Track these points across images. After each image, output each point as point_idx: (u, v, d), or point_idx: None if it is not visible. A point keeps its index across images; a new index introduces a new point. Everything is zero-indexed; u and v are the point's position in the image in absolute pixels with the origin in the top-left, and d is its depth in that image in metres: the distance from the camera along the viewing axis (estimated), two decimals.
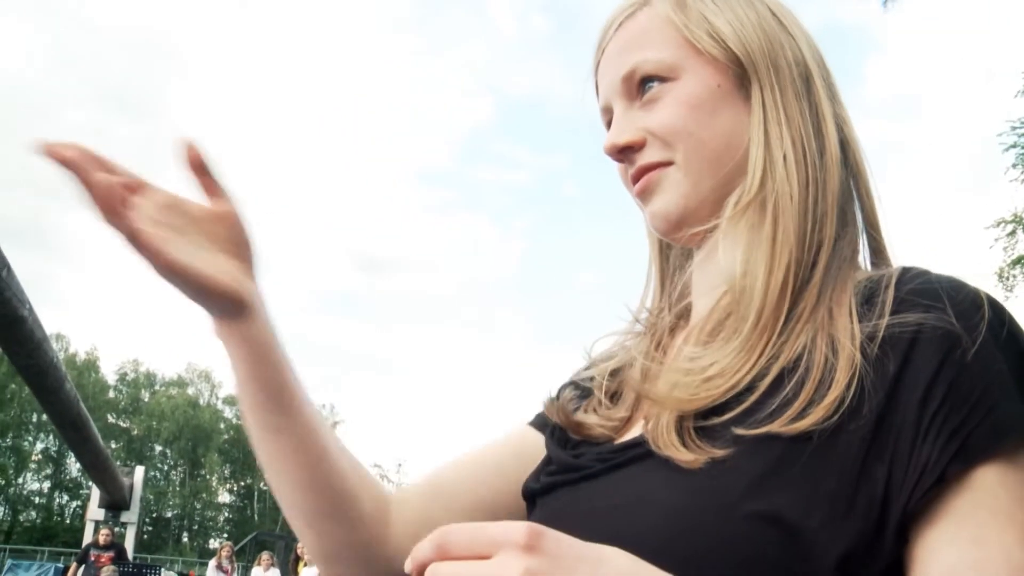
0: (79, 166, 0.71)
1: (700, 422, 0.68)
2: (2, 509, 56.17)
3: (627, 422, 0.78)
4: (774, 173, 0.75)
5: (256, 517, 62.95)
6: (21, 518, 56.12)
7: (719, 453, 0.64)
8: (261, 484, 64.91)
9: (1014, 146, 14.92)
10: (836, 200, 0.76)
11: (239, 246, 0.81)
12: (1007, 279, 16.63)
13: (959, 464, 0.59)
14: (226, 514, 66.27)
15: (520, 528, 0.46)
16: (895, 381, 0.62)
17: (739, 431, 0.64)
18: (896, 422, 0.61)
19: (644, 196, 0.81)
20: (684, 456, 0.65)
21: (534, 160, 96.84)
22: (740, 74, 0.78)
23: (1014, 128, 14.80)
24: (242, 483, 66.34)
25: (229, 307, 0.78)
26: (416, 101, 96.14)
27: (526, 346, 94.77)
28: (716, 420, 0.67)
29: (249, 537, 22.99)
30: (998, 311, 0.65)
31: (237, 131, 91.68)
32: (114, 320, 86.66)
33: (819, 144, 0.77)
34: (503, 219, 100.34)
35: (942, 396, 0.60)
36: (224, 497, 66.72)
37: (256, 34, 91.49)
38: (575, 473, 0.75)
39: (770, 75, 0.77)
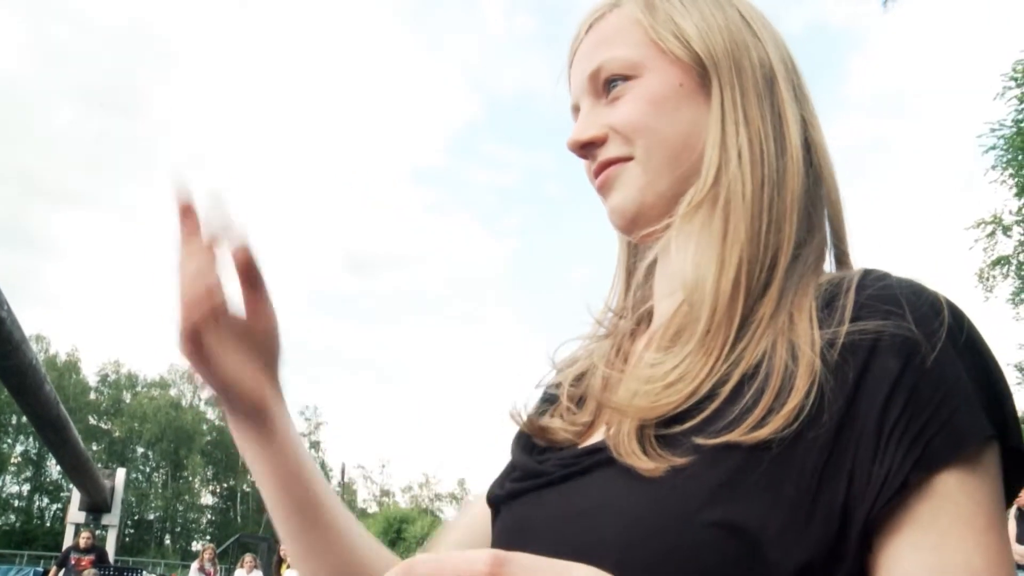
0: (191, 230, 0.79)
1: (661, 430, 0.67)
2: None
3: (590, 426, 0.78)
4: (728, 172, 0.75)
5: (239, 519, 62.72)
6: (0, 521, 55.69)
7: (679, 462, 0.64)
8: (244, 486, 64.67)
9: (993, 148, 15.05)
10: (797, 202, 0.75)
11: (269, 353, 0.85)
12: (987, 280, 16.76)
13: (920, 471, 0.59)
14: (209, 516, 66.02)
15: (484, 556, 0.46)
16: (855, 389, 0.62)
17: (699, 440, 0.64)
18: (856, 430, 0.61)
19: (603, 191, 0.83)
20: (645, 464, 0.65)
21: (524, 158, 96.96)
22: (703, 74, 0.78)
23: (993, 130, 14.93)
24: (225, 485, 66.10)
25: (249, 412, 0.83)
26: (407, 100, 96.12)
27: (519, 343, 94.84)
28: (677, 428, 0.67)
29: (232, 539, 22.90)
30: (957, 316, 0.65)
31: (226, 129, 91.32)
32: (96, 321, 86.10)
33: (779, 146, 0.77)
34: (494, 217, 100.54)
35: (903, 403, 0.60)
36: (207, 499, 66.49)
37: (245, 31, 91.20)
38: (539, 479, 0.75)
39: (732, 76, 0.78)
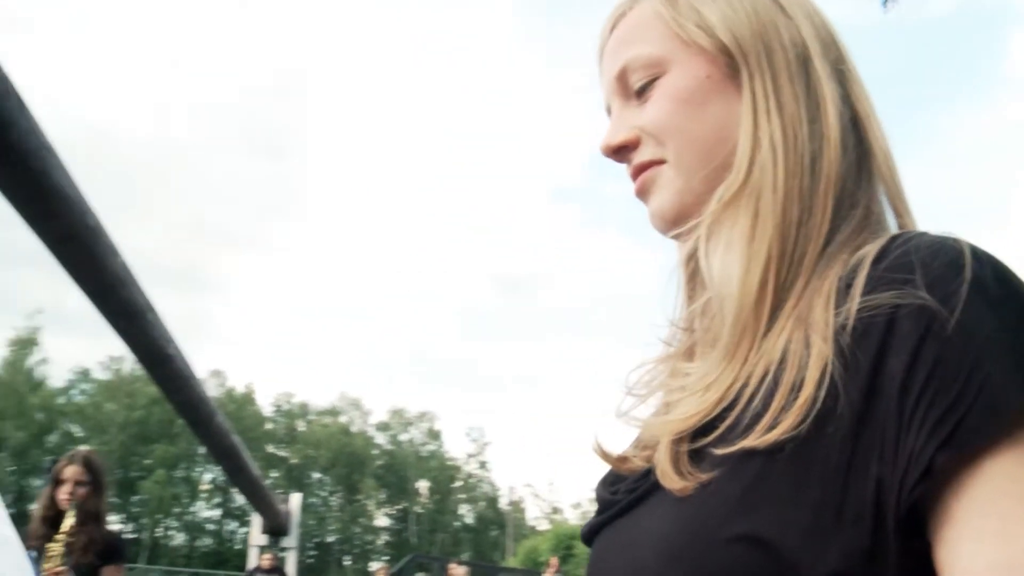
0: None
1: (691, 445, 0.64)
2: (182, 535, 59.51)
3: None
4: (758, 164, 0.71)
5: (415, 539, 64.20)
6: (198, 544, 59.23)
7: (704, 477, 0.61)
8: (416, 507, 66.18)
9: None
10: (833, 185, 0.70)
11: None
12: None
13: (952, 450, 0.52)
14: (385, 537, 67.85)
15: None
16: (872, 374, 0.57)
17: (720, 451, 0.61)
18: (879, 420, 0.56)
19: (642, 196, 0.79)
20: (676, 484, 0.62)
21: None
22: (731, 63, 0.74)
23: None
24: (398, 507, 67.82)
25: None
26: (541, 122, 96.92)
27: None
28: (704, 441, 0.63)
29: (407, 559, 23.46)
30: (984, 262, 0.57)
31: (373, 161, 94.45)
32: (267, 354, 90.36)
33: (814, 128, 0.72)
34: (639, 230, 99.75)
35: (924, 380, 0.54)
36: (382, 520, 68.38)
37: (385, 66, 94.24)
38: (611, 510, 0.73)
39: (761, 61, 0.74)
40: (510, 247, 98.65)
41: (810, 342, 0.61)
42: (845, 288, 0.62)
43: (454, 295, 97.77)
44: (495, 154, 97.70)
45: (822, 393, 0.58)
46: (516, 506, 71.09)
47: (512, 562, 44.77)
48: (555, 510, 71.73)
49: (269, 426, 65.26)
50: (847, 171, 0.72)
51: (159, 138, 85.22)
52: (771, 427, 0.58)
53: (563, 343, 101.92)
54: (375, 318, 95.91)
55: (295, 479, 61.11)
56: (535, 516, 72.11)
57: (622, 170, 0.81)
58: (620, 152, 0.80)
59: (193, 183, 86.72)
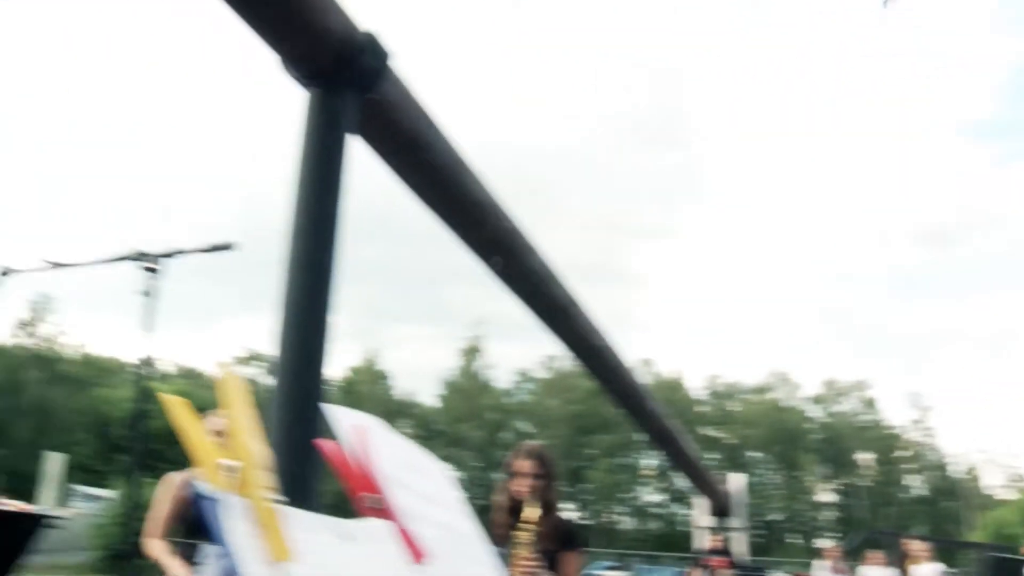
0: None
1: None
2: (633, 520, 62.45)
3: None
4: None
5: (867, 514, 61.29)
6: (646, 527, 61.70)
7: None
8: (859, 480, 63.14)
9: None
10: None
11: None
12: None
13: None
14: (835, 512, 65.48)
15: None
16: None
17: None
18: None
19: None
20: None
21: None
22: None
23: None
24: (840, 481, 65.17)
25: None
26: (944, 48, 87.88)
27: None
28: None
29: (862, 535, 22.40)
30: None
31: (768, 130, 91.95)
32: (691, 338, 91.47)
33: None
34: None
35: None
36: (826, 496, 66.10)
37: (764, 35, 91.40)
38: None
39: None
40: (922, 195, 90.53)
41: None
42: None
43: (874, 255, 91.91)
44: (887, 96, 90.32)
45: None
46: (971, 474, 64.97)
47: (976, 536, 40.92)
48: (1019, 477, 64.47)
49: (701, 408, 66.01)
50: None
51: (569, 149, 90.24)
52: None
53: (1004, 293, 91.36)
54: (794, 289, 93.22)
55: (734, 459, 61.13)
56: (993, 484, 65.30)
57: None
58: None
59: (603, 183, 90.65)
